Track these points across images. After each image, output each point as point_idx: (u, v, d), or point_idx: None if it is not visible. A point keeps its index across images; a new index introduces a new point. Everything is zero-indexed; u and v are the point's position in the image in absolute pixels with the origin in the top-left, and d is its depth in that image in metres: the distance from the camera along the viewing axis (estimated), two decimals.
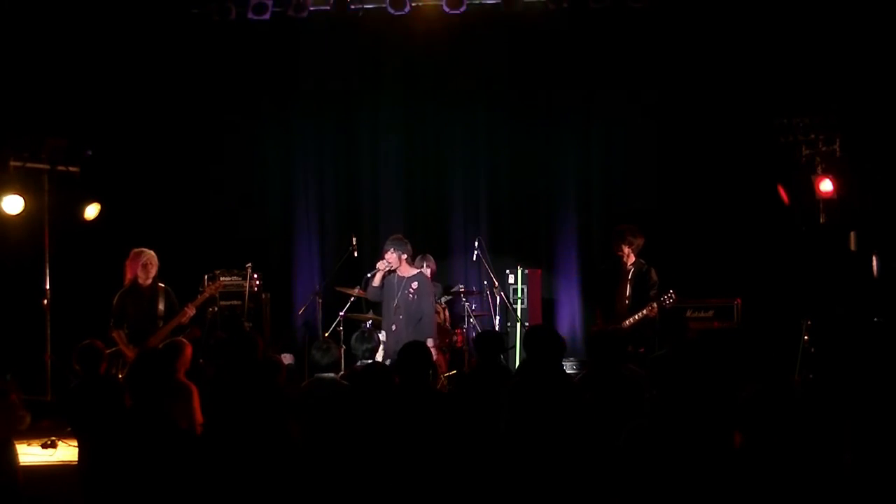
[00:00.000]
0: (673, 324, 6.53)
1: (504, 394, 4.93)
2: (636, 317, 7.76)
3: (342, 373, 6.36)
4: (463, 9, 9.48)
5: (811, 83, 8.82)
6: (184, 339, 6.00)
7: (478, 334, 6.33)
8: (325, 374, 5.57)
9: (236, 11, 9.54)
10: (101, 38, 9.30)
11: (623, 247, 7.95)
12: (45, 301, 8.78)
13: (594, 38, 9.85)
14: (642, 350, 7.65)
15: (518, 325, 9.32)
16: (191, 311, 7.52)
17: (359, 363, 5.99)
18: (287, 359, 6.61)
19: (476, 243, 9.05)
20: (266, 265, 9.32)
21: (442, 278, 9.33)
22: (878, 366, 7.38)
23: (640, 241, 7.94)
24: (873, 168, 8.51)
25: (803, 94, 8.80)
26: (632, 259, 8.06)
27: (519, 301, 9.56)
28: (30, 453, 6.74)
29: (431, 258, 8.94)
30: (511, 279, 9.58)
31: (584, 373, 5.54)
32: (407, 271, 7.61)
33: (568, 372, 7.11)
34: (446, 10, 9.50)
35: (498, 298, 9.15)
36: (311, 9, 9.61)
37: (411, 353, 5.00)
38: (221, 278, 8.72)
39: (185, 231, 9.66)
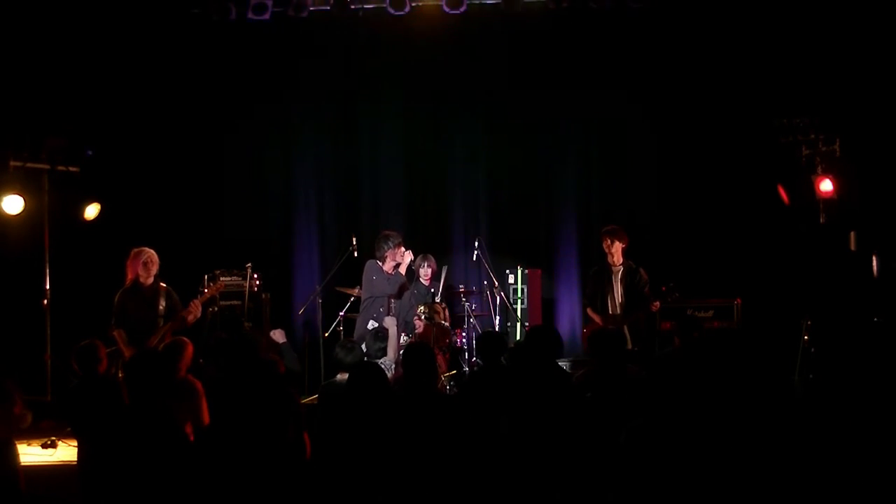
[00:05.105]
0: (685, 321, 6.57)
1: (505, 394, 4.94)
2: (639, 315, 7.83)
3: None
4: (463, 9, 9.48)
5: (811, 83, 8.83)
6: (185, 339, 5.99)
7: (479, 335, 6.33)
8: (343, 377, 5.54)
9: (236, 11, 9.53)
10: (101, 38, 9.29)
11: (616, 243, 8.09)
12: (45, 301, 8.78)
13: (594, 38, 9.85)
14: (636, 348, 7.71)
15: (518, 325, 9.32)
16: (197, 310, 7.53)
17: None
18: (278, 336, 6.59)
19: (476, 243, 9.04)
20: (266, 265, 9.32)
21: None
22: (878, 366, 7.38)
23: (627, 241, 8.09)
24: (873, 168, 8.52)
25: (803, 94, 8.81)
26: (620, 260, 8.17)
27: (519, 301, 9.56)
28: (30, 453, 6.74)
29: (432, 258, 8.94)
30: (511, 279, 9.58)
31: (585, 371, 5.55)
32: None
33: (566, 371, 7.11)
34: (446, 10, 9.50)
35: (498, 298, 9.14)
36: (311, 9, 9.60)
37: (416, 354, 5.00)
38: (221, 278, 8.72)
39: (185, 231, 9.65)
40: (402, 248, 8.31)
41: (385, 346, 6.25)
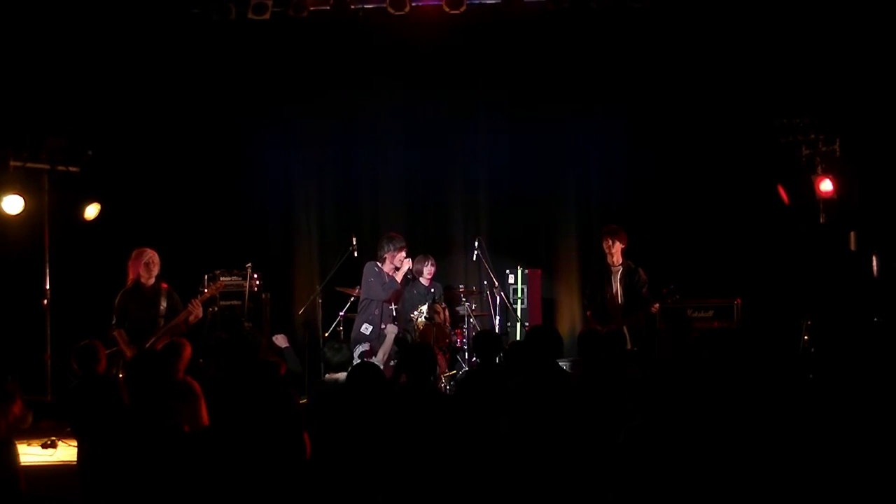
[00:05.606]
0: (677, 324, 6.58)
1: (505, 394, 4.94)
2: (640, 316, 7.83)
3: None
4: (463, 9, 9.48)
5: (811, 83, 8.82)
6: (183, 339, 5.99)
7: (476, 335, 6.34)
8: (336, 375, 5.56)
9: (236, 11, 9.52)
10: (102, 38, 9.28)
11: (616, 243, 8.10)
12: (45, 301, 8.78)
13: (594, 38, 9.85)
14: (636, 349, 7.71)
15: (518, 325, 9.32)
16: (198, 310, 7.53)
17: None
18: (280, 340, 6.59)
19: (476, 243, 9.05)
20: (266, 265, 9.32)
21: (442, 278, 9.33)
22: (878, 366, 7.38)
23: (627, 241, 8.10)
24: (873, 168, 8.53)
25: (803, 94, 8.81)
26: (620, 260, 8.18)
27: (519, 301, 9.56)
28: (30, 453, 6.74)
29: (432, 258, 8.94)
30: (511, 279, 9.59)
31: (579, 372, 5.55)
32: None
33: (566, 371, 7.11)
34: (446, 10, 9.49)
35: (498, 298, 9.15)
36: (311, 9, 9.60)
37: (416, 353, 5.00)
38: (221, 278, 8.73)
39: (185, 231, 9.65)
40: (404, 254, 8.29)
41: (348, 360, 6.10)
